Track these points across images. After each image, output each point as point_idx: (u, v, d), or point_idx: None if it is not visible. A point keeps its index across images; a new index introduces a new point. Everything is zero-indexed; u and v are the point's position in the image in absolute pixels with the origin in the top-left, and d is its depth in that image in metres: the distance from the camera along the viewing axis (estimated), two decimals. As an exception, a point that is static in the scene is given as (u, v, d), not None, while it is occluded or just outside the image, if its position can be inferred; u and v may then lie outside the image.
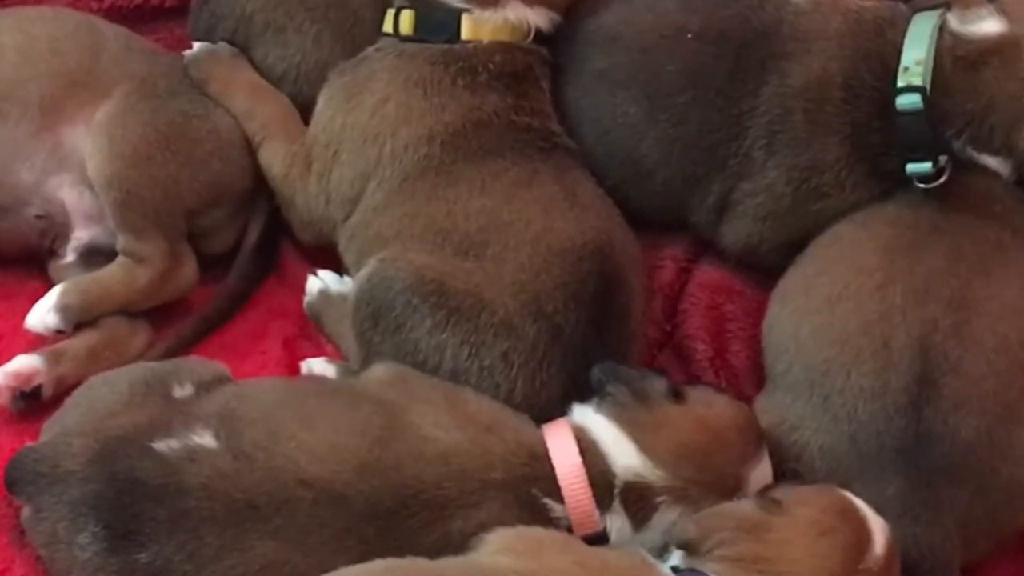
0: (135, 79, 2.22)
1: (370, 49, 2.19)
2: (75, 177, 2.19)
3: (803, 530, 1.66)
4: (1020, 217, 2.04)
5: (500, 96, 2.13)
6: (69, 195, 2.20)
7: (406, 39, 2.17)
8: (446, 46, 2.14)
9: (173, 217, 2.19)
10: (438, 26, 2.15)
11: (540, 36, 2.20)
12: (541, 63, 2.20)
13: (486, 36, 2.15)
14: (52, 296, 2.13)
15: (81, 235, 2.23)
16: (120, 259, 2.18)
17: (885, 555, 1.68)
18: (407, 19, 2.17)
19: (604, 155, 2.21)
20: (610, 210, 2.13)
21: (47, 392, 2.07)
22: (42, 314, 2.12)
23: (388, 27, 2.19)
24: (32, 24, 2.24)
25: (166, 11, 2.50)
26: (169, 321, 2.24)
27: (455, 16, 2.15)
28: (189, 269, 2.23)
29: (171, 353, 2.14)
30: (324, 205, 2.17)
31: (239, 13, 2.31)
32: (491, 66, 2.13)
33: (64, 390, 2.03)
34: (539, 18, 2.19)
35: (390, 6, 2.20)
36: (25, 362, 2.08)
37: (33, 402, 2.07)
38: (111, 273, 2.18)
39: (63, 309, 2.12)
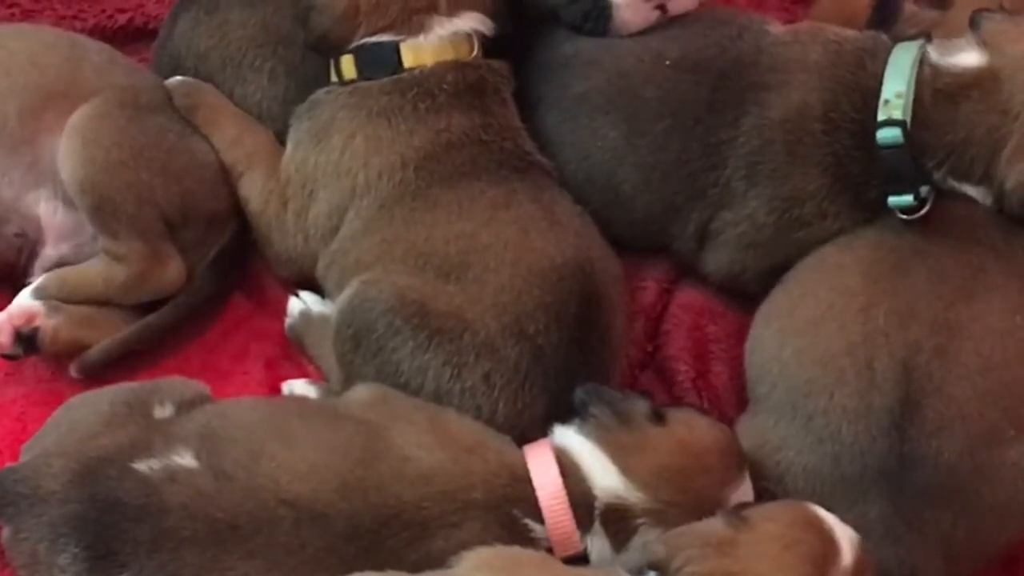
0: (116, 89, 2.21)
1: (320, 92, 2.19)
2: (51, 191, 2.18)
3: (768, 544, 1.65)
4: (1002, 241, 2.03)
5: (465, 115, 2.13)
6: (45, 210, 2.19)
7: (352, 82, 2.16)
8: (395, 77, 2.14)
9: (149, 220, 2.17)
10: (380, 62, 2.14)
11: (489, 49, 2.21)
12: (493, 74, 2.19)
13: (429, 60, 2.15)
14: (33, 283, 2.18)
15: (51, 253, 2.21)
16: (101, 255, 2.18)
17: (854, 566, 1.67)
18: (348, 64, 2.16)
19: (584, 180, 2.20)
20: (589, 228, 2.13)
21: (43, 341, 2.11)
22: (20, 297, 2.16)
23: (332, 77, 2.18)
24: (10, 39, 2.23)
25: (149, 32, 2.50)
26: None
27: (393, 48, 2.14)
28: (173, 269, 2.20)
29: (107, 353, 2.15)
30: (303, 243, 2.18)
31: (195, 51, 2.32)
32: (446, 86, 2.13)
33: (56, 347, 2.12)
34: (470, 23, 2.18)
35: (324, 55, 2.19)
36: (26, 301, 2.13)
37: (29, 350, 2.12)
38: (91, 265, 2.19)
39: (39, 289, 2.16)
